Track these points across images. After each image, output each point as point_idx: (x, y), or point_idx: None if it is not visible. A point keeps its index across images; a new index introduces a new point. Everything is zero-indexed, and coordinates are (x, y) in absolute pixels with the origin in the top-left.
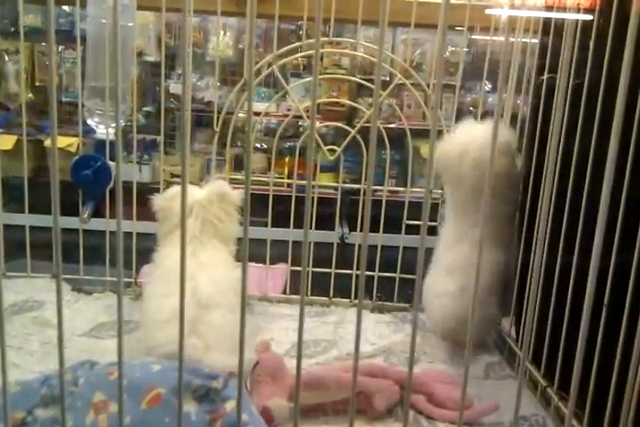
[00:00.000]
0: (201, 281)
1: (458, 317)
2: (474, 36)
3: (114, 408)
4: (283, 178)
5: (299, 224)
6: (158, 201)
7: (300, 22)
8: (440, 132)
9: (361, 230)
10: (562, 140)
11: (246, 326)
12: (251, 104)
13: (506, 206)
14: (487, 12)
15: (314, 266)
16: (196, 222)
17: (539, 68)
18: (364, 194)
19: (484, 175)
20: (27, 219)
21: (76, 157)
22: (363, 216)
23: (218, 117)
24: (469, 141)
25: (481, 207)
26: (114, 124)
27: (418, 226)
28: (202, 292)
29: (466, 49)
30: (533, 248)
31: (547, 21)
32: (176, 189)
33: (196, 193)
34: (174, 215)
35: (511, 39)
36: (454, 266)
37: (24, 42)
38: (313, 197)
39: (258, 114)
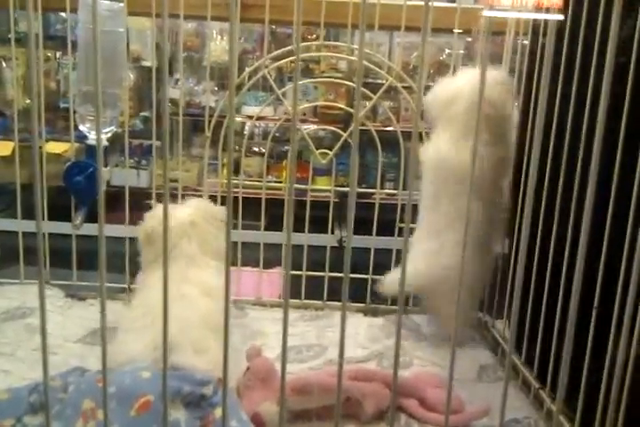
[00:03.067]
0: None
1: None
2: (469, 39)
3: (102, 416)
4: (281, 182)
5: (295, 228)
6: (144, 227)
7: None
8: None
9: (354, 233)
10: (551, 143)
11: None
12: (232, 110)
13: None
14: (484, 14)
15: (310, 269)
16: (192, 243)
17: (529, 71)
18: (358, 197)
19: (475, 112)
20: (20, 225)
21: (69, 164)
22: (347, 219)
23: (210, 122)
24: (464, 82)
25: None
26: (106, 130)
27: (413, 229)
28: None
29: (462, 51)
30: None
31: (537, 23)
32: (159, 211)
33: (180, 213)
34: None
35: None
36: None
37: (21, 48)
38: (307, 201)
39: (255, 118)
